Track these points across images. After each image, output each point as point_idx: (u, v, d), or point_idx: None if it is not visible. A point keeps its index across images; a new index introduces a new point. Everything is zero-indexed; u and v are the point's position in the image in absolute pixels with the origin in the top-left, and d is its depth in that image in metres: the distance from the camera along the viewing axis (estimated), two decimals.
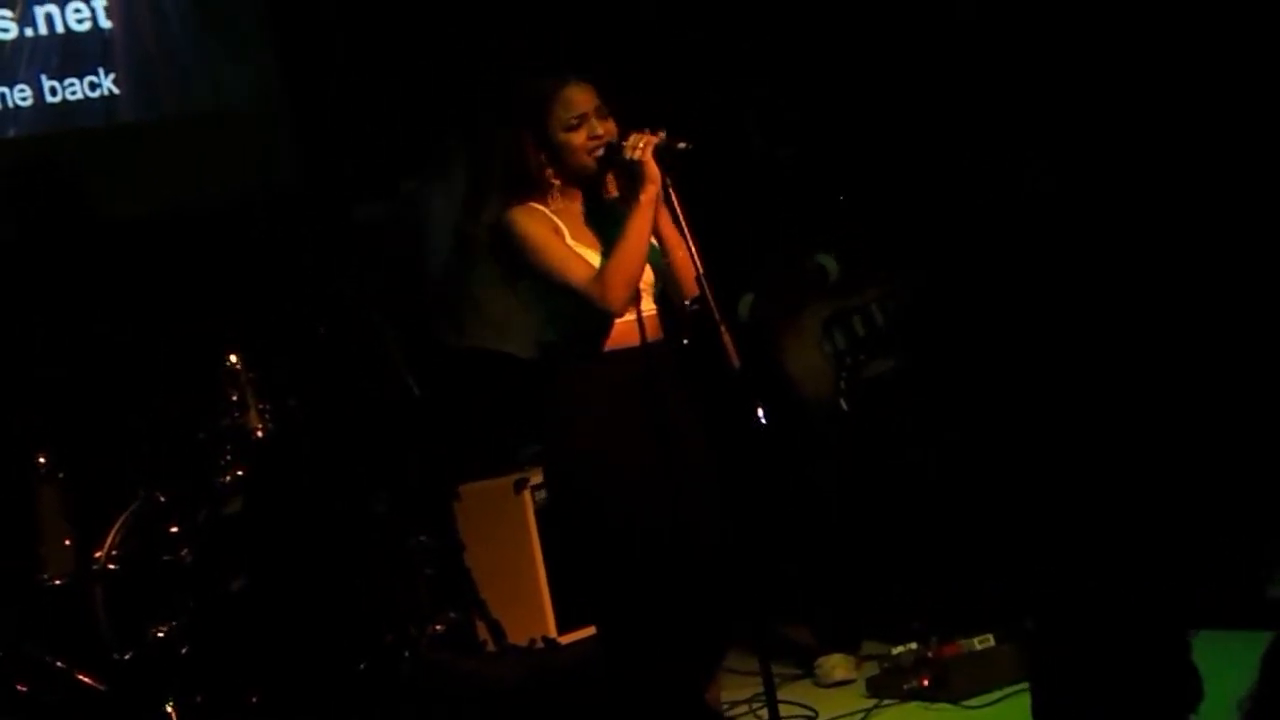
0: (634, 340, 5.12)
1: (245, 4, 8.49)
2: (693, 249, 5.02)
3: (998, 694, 6.05)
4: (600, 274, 5.01)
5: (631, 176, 5.07)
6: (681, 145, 5.01)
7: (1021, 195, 7.49)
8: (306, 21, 8.47)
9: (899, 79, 7.85)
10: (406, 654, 6.68)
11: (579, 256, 5.06)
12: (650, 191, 5.01)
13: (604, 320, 5.06)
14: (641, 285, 5.13)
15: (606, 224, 5.17)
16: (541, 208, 5.15)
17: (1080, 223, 7.33)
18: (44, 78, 7.85)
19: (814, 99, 7.75)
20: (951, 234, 7.29)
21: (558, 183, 5.17)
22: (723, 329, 4.93)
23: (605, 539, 5.21)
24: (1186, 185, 7.31)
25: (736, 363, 4.90)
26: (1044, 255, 7.27)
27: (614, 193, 5.23)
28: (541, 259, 5.10)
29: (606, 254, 5.04)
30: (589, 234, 5.17)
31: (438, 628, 6.82)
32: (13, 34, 7.76)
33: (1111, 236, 7.34)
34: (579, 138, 5.13)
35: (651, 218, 5.06)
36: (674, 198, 5.03)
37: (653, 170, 4.98)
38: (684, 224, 5.03)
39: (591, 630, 6.28)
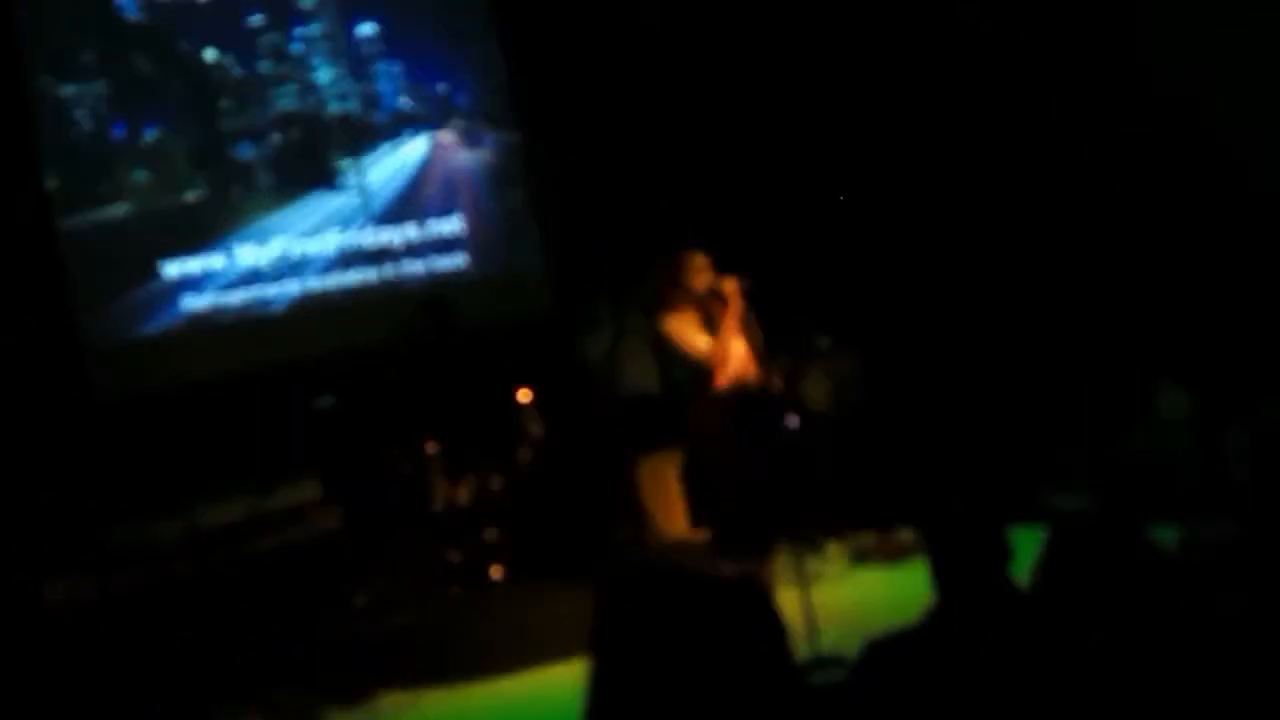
0: (726, 383, 6.56)
1: (527, 221, 10.23)
2: (757, 337, 6.52)
3: (917, 559, 5.85)
4: (712, 349, 6.53)
5: (724, 301, 6.57)
6: (748, 284, 6.54)
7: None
8: (561, 225, 10.13)
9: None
10: (614, 541, 8.09)
11: (700, 340, 6.60)
12: (732, 308, 6.52)
13: (713, 372, 6.59)
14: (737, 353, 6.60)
15: (710, 326, 6.64)
16: (678, 316, 6.66)
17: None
18: (432, 258, 9.89)
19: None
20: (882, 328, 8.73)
21: (685, 303, 6.65)
22: (773, 377, 6.66)
23: (713, 482, 6.77)
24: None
25: (780, 393, 6.76)
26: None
27: (712, 312, 6.70)
28: (683, 341, 6.62)
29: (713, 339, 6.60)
30: (704, 329, 6.63)
31: (626, 532, 8.07)
32: (415, 236, 9.85)
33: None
34: (698, 281, 6.60)
35: (736, 322, 6.51)
36: (745, 310, 6.51)
37: (735, 298, 6.50)
38: (753, 323, 6.53)
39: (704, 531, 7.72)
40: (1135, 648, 2.92)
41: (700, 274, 6.56)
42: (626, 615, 2.13)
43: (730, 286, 6.50)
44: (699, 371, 6.53)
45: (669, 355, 6.66)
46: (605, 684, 2.11)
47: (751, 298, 6.53)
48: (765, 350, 6.52)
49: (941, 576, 3.49)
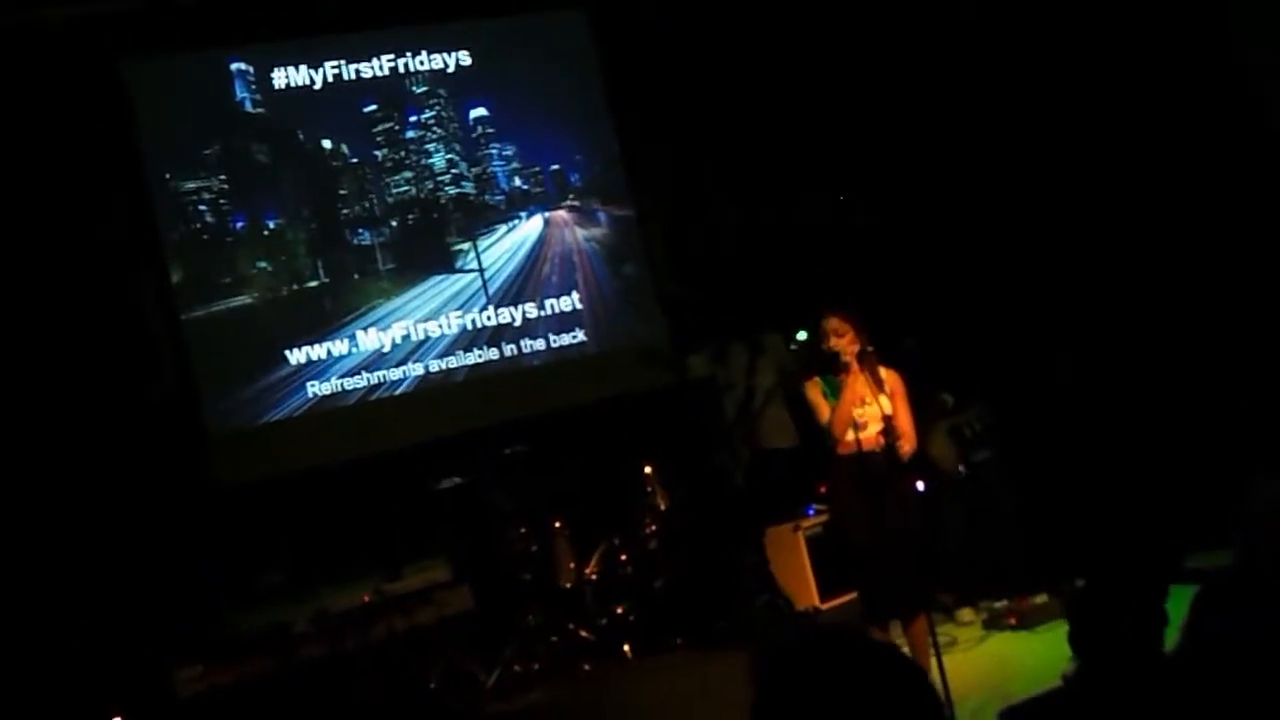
0: (860, 447, 6.39)
1: (647, 296, 10.24)
2: (882, 406, 6.41)
3: (1051, 624, 7.30)
4: (829, 415, 6.47)
5: (844, 369, 6.49)
6: (870, 349, 6.43)
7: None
8: (674, 300, 10.15)
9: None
10: (743, 616, 8.05)
11: (828, 406, 6.50)
12: (845, 376, 6.44)
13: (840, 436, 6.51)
14: (864, 421, 6.42)
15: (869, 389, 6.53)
16: (817, 380, 6.58)
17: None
18: (551, 336, 9.91)
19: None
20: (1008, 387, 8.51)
21: (827, 366, 6.51)
22: (900, 442, 6.47)
23: (856, 545, 6.61)
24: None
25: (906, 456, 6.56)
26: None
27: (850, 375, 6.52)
28: (815, 408, 6.58)
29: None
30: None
31: (758, 604, 8.21)
32: (534, 315, 9.88)
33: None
34: (826, 345, 6.49)
35: (854, 389, 6.40)
36: (876, 376, 6.42)
37: (853, 365, 6.42)
38: (881, 388, 6.43)
39: (833, 601, 8.06)
40: None
41: (827, 338, 6.47)
42: (789, 682, 2.11)
43: (849, 352, 6.40)
44: (827, 437, 6.50)
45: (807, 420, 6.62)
46: None
47: (877, 358, 6.44)
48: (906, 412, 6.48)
49: (1085, 641, 3.38)
